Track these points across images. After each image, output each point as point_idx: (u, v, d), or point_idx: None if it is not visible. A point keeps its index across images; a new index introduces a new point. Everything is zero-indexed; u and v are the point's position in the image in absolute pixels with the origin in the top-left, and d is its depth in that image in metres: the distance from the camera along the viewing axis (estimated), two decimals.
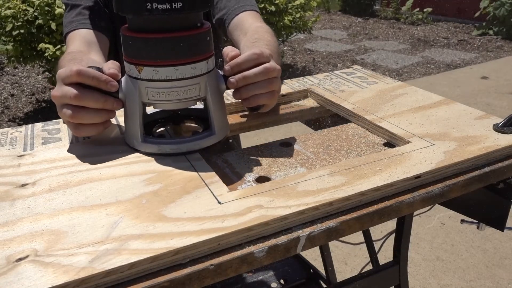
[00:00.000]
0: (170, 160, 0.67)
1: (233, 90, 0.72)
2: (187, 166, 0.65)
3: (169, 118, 0.79)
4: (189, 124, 0.80)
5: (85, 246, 0.48)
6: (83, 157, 0.68)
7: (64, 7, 1.05)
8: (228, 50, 0.71)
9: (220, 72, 0.72)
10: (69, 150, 0.71)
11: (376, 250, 1.16)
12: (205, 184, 0.61)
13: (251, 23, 1.01)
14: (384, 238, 1.15)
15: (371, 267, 1.10)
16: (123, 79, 0.68)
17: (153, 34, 0.62)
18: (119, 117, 0.79)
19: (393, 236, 0.99)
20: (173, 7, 0.60)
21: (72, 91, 0.63)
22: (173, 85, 0.65)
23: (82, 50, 0.93)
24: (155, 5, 0.60)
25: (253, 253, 0.50)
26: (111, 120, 0.70)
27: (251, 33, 0.94)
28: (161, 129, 0.79)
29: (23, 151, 0.71)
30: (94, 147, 0.72)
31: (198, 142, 0.69)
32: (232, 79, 0.70)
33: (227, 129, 0.75)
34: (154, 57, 0.63)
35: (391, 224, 0.92)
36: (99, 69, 0.66)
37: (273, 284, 1.33)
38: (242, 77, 0.69)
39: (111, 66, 0.68)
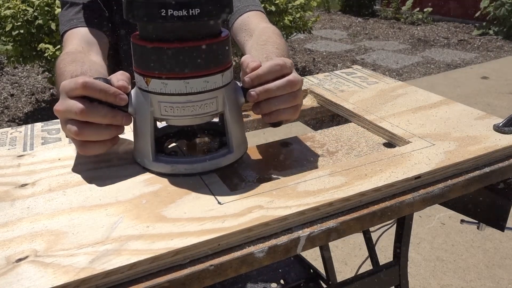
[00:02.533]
0: None
1: (252, 103, 0.66)
2: None
3: (182, 133, 0.72)
4: (203, 139, 0.73)
5: (85, 246, 0.48)
6: (83, 157, 0.68)
7: (60, 5, 1.01)
8: (248, 60, 0.65)
9: (238, 83, 0.67)
10: (69, 150, 0.71)
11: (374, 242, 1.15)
12: (205, 184, 0.60)
13: (257, 24, 0.96)
14: (381, 233, 1.15)
15: (369, 265, 1.10)
16: (133, 92, 0.63)
17: (167, 44, 0.57)
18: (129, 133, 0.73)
19: (393, 236, 0.99)
20: (191, 14, 0.54)
21: (77, 105, 0.57)
22: (188, 99, 0.59)
23: (81, 50, 0.88)
24: (170, 11, 0.54)
25: (253, 254, 0.50)
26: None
27: (257, 35, 0.90)
28: (173, 144, 0.72)
29: (22, 151, 0.71)
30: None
31: (214, 161, 0.63)
32: (252, 92, 0.63)
33: (245, 145, 0.69)
34: (168, 69, 0.57)
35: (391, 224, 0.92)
36: (107, 81, 0.61)
37: (273, 284, 1.32)
38: (264, 90, 0.63)
39: (120, 78, 0.62)
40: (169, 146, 0.72)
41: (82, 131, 0.58)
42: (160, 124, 0.70)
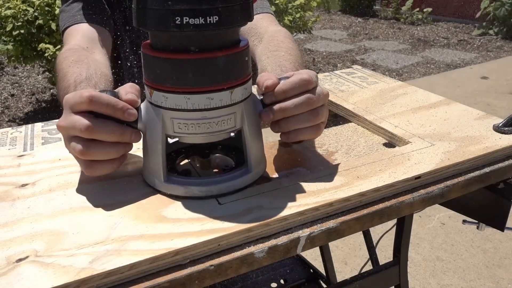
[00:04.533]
0: None
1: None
2: None
3: (194, 148, 0.66)
4: (218, 155, 0.68)
5: (85, 246, 0.48)
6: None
7: (61, 1, 0.97)
8: (263, 79, 0.59)
9: (257, 96, 0.61)
10: None
11: (374, 243, 1.15)
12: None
13: (266, 27, 0.91)
14: (381, 236, 1.15)
15: (370, 267, 1.10)
16: (142, 106, 0.58)
17: (182, 55, 0.52)
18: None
19: (393, 236, 0.99)
20: (208, 22, 0.49)
21: (82, 121, 0.52)
22: (205, 115, 0.54)
23: (85, 47, 0.83)
24: (186, 19, 0.48)
25: (253, 254, 0.50)
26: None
27: (268, 39, 0.85)
28: (185, 161, 0.67)
29: (23, 151, 0.71)
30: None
31: (232, 183, 0.58)
32: (267, 111, 0.58)
33: (264, 163, 0.63)
34: (182, 82, 0.52)
35: (391, 224, 0.92)
36: (115, 94, 0.56)
37: (273, 284, 1.32)
38: (280, 109, 0.58)
39: (129, 91, 0.57)
40: (181, 163, 0.66)
41: (88, 150, 0.53)
42: (170, 139, 0.65)
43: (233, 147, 0.66)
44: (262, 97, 0.60)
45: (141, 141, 0.58)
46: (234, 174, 0.59)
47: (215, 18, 0.49)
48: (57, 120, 0.81)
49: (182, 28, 0.49)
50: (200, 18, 0.49)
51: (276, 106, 0.58)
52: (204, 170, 0.64)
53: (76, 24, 0.90)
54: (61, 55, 0.79)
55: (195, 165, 0.65)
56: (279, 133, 0.61)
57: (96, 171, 0.56)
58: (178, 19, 0.49)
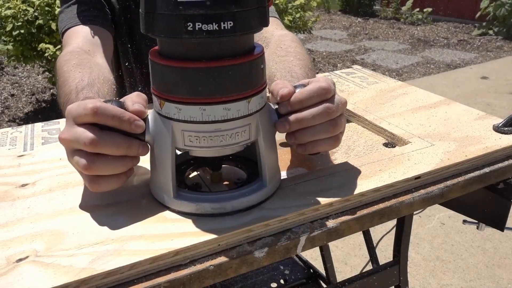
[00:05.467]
0: None
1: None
2: None
3: (204, 160, 0.62)
4: (229, 166, 0.64)
5: (85, 246, 0.48)
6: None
7: (60, 2, 0.95)
8: (278, 87, 0.56)
9: (272, 105, 0.58)
10: None
11: (374, 244, 1.16)
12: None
13: (272, 31, 0.88)
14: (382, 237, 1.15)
15: (368, 265, 1.10)
16: (150, 116, 0.54)
17: (194, 63, 0.48)
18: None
19: (393, 236, 0.99)
20: (222, 28, 0.46)
21: (86, 134, 0.49)
22: (218, 127, 0.50)
23: (86, 50, 0.81)
24: (199, 25, 0.45)
25: (253, 254, 0.50)
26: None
27: (275, 44, 0.82)
28: (194, 173, 0.63)
29: (23, 151, 0.71)
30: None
31: (246, 199, 0.54)
32: (282, 122, 0.55)
33: (279, 176, 0.60)
34: (195, 93, 0.49)
35: (391, 224, 0.92)
36: (120, 104, 0.53)
37: (273, 284, 1.33)
38: (297, 120, 0.55)
39: (136, 100, 0.54)
40: (190, 176, 0.63)
41: (93, 165, 0.50)
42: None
43: (244, 157, 0.62)
44: (276, 106, 0.57)
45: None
46: (248, 189, 0.55)
47: (230, 23, 0.46)
48: (57, 120, 0.82)
49: (194, 35, 0.46)
50: (214, 23, 0.45)
51: (293, 117, 0.55)
52: (214, 182, 0.61)
53: (76, 26, 0.88)
54: (62, 57, 0.77)
55: (205, 177, 0.62)
56: (294, 144, 0.58)
57: (101, 187, 0.52)
58: (189, 25, 0.45)
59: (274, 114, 0.57)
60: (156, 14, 0.47)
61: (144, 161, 0.59)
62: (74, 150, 0.51)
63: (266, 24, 0.51)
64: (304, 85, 0.57)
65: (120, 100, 0.54)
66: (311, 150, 0.57)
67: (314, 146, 0.57)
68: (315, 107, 0.55)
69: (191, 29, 0.45)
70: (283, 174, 0.65)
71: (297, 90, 0.56)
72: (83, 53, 0.79)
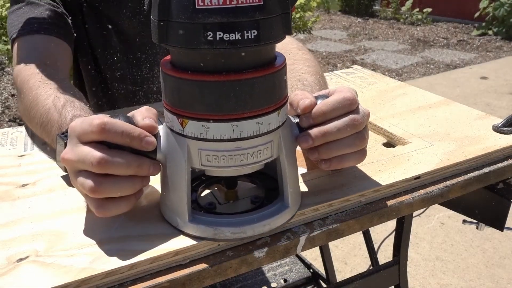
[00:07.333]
0: None
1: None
2: None
3: (218, 176, 0.55)
4: (245, 182, 0.59)
5: (86, 246, 0.49)
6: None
7: (10, 1, 0.84)
8: (298, 98, 0.52)
9: (292, 118, 0.54)
10: None
11: (376, 249, 1.16)
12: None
13: None
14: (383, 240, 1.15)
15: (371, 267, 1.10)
16: (161, 133, 0.50)
17: (214, 76, 0.44)
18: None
19: (393, 236, 0.99)
20: (245, 37, 0.42)
21: (93, 153, 0.45)
22: (239, 146, 0.46)
23: (45, 62, 0.74)
24: (219, 35, 0.41)
25: (253, 254, 0.51)
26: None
27: (280, 51, 0.81)
28: (206, 191, 0.59)
29: (23, 151, 0.71)
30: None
31: (267, 222, 0.50)
32: (305, 135, 0.51)
33: (300, 195, 0.55)
34: (213, 108, 0.44)
35: (391, 224, 0.92)
36: (129, 119, 0.49)
37: (273, 284, 1.33)
38: (321, 134, 0.51)
39: (146, 115, 0.49)
40: (202, 195, 0.58)
41: (100, 187, 0.45)
42: None
43: (259, 171, 0.54)
44: (297, 120, 0.54)
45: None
46: (268, 211, 0.51)
47: (253, 32, 0.42)
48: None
49: (214, 45, 0.42)
50: (236, 33, 0.41)
51: (315, 130, 0.51)
52: (229, 202, 0.56)
53: (30, 34, 0.78)
54: (24, 71, 0.70)
55: (216, 193, 0.58)
56: (317, 160, 0.54)
57: (109, 211, 0.47)
58: (209, 34, 0.41)
59: (295, 128, 0.53)
60: (172, 22, 0.42)
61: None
62: (78, 171, 0.47)
63: (289, 32, 0.47)
64: (326, 96, 0.54)
65: (128, 114, 0.50)
66: (336, 165, 0.54)
67: (340, 162, 0.53)
68: (339, 119, 0.51)
69: (211, 38, 0.41)
70: None
71: (319, 101, 0.53)
72: (45, 66, 0.73)
